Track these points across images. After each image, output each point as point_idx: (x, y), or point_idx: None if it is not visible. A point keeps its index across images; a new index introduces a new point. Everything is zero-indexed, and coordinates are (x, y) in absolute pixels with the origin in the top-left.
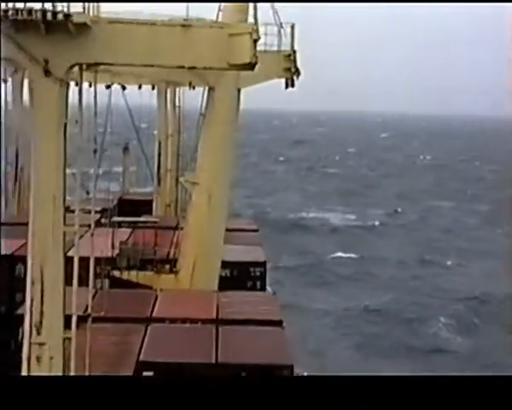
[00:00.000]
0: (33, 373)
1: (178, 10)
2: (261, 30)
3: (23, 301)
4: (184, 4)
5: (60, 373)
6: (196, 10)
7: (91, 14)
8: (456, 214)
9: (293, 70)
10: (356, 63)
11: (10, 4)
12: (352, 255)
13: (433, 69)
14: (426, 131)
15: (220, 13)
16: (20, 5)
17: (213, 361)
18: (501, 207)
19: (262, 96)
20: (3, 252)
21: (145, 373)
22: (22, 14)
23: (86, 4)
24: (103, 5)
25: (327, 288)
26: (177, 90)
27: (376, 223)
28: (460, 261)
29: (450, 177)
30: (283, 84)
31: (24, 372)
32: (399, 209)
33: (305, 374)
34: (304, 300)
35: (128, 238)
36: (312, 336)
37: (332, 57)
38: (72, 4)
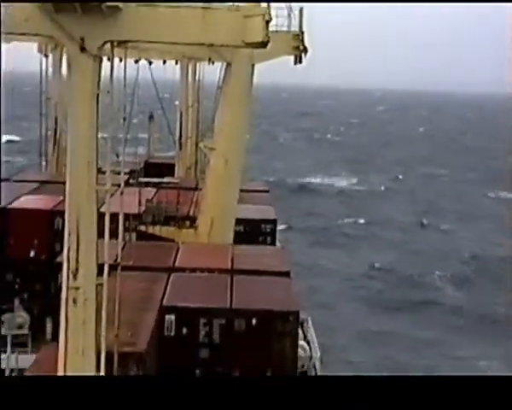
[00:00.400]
0: (70, 314)
1: None
2: (273, 12)
3: (61, 250)
4: None
5: (92, 315)
6: None
7: None
8: (449, 180)
9: (301, 48)
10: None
11: None
12: (357, 218)
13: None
14: (426, 106)
15: None
16: None
17: (228, 306)
18: (490, 175)
19: (268, 71)
20: (44, 207)
21: (167, 316)
22: None
23: None
24: None
25: (333, 247)
26: (198, 65)
27: (379, 187)
28: (455, 224)
29: (445, 147)
30: (292, 61)
31: (62, 312)
32: (400, 176)
33: (309, 319)
34: (310, 257)
35: (153, 197)
36: (320, 289)
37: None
38: None
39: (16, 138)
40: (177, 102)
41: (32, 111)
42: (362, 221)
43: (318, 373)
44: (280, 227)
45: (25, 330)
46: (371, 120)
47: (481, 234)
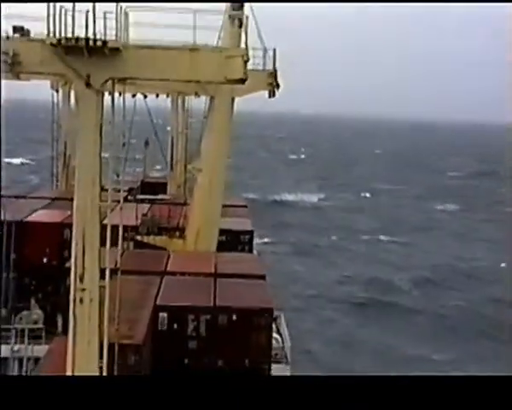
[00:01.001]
0: (77, 312)
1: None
2: (250, 53)
3: (70, 257)
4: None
5: (96, 312)
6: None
7: (122, 40)
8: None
9: (274, 84)
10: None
11: (62, 34)
12: (327, 230)
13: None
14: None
15: (220, 40)
16: (69, 34)
17: (212, 305)
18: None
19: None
20: (55, 220)
21: (160, 313)
22: (71, 41)
23: (118, 33)
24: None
25: (305, 256)
26: (186, 98)
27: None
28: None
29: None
30: (267, 94)
31: (71, 310)
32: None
33: (282, 315)
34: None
35: (148, 211)
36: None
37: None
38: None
39: (27, 161)
40: (168, 128)
41: (47, 135)
42: (331, 233)
43: (289, 360)
44: (258, 241)
45: (39, 325)
46: (339, 142)
47: (435, 243)
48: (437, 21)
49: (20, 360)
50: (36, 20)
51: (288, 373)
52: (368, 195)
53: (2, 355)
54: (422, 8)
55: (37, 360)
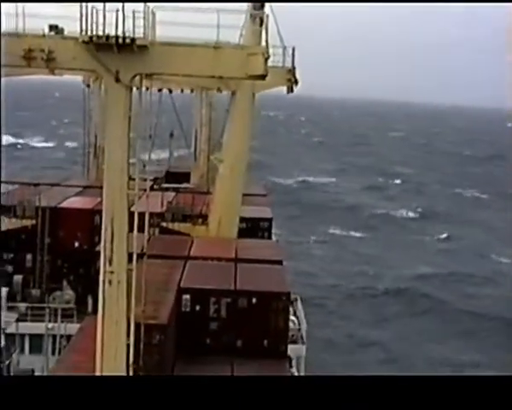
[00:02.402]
0: (106, 293)
1: (211, 34)
2: (270, 51)
3: (99, 241)
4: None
5: (124, 294)
6: (224, 35)
7: (149, 38)
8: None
9: (292, 80)
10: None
11: (94, 32)
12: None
13: None
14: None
15: (241, 37)
16: (100, 32)
17: (233, 288)
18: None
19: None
20: (86, 207)
21: (184, 296)
22: (102, 39)
23: (146, 31)
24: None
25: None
26: (209, 92)
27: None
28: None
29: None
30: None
31: (100, 291)
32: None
33: (299, 298)
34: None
35: (173, 199)
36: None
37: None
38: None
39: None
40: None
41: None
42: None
43: (305, 341)
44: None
45: (71, 305)
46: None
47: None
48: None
49: (54, 337)
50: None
51: (304, 353)
52: (398, 181)
53: (38, 332)
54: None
55: (69, 337)
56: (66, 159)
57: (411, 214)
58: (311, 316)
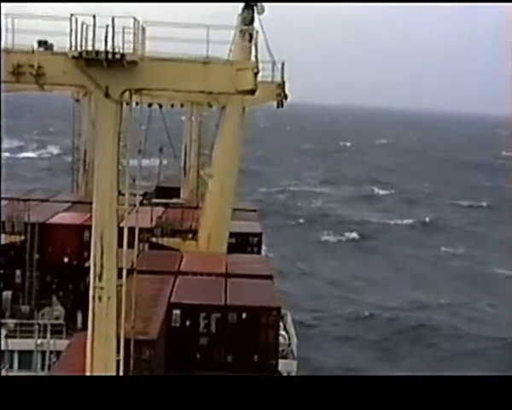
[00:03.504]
0: (96, 309)
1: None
2: (260, 66)
3: (89, 257)
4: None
5: (114, 309)
6: (214, 50)
7: (139, 53)
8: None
9: (282, 95)
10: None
11: (83, 48)
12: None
13: None
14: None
15: (231, 53)
16: (89, 47)
17: (223, 303)
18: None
19: None
20: (75, 223)
21: (174, 311)
22: (92, 54)
23: (136, 47)
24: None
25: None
26: (199, 107)
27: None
28: None
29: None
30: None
31: (90, 307)
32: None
33: (289, 314)
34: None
35: (162, 214)
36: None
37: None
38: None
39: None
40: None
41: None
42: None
43: (295, 356)
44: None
45: (61, 321)
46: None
47: None
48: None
49: (43, 353)
50: (56, 34)
51: (295, 368)
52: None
53: (27, 349)
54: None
55: (58, 353)
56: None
57: (405, 223)
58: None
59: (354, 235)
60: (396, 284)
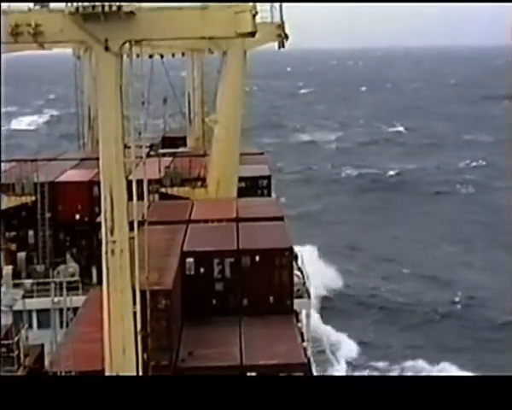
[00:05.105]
0: (110, 263)
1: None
2: (258, 8)
3: (100, 212)
4: None
5: (127, 262)
6: None
7: (136, 4)
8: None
9: (283, 35)
10: None
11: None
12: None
13: None
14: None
15: None
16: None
17: (236, 248)
18: None
19: None
20: (84, 179)
21: (187, 259)
22: (88, 8)
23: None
24: None
25: None
26: (200, 55)
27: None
28: None
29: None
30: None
31: (104, 261)
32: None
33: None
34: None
35: (170, 164)
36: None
37: None
38: None
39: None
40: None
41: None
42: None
43: (311, 295)
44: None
45: (76, 278)
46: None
47: None
48: None
49: (61, 311)
50: None
51: (310, 307)
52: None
53: (44, 307)
54: None
55: (75, 309)
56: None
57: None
58: None
59: None
60: None
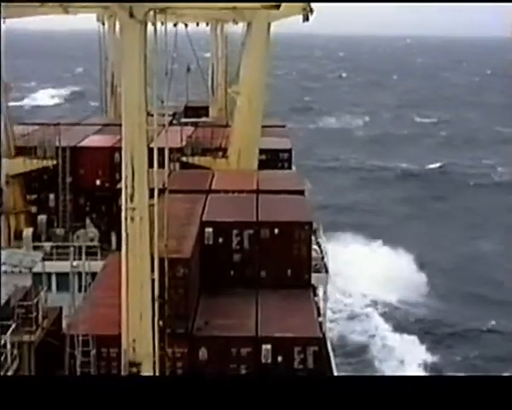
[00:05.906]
0: (129, 229)
1: None
2: None
3: (120, 179)
4: None
5: (147, 229)
6: None
7: None
8: None
9: (308, 9)
10: None
11: None
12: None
13: None
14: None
15: None
16: None
17: (255, 220)
18: None
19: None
20: (106, 145)
21: (206, 229)
22: None
23: None
24: None
25: None
26: (224, 25)
27: None
28: None
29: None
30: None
31: (123, 228)
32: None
33: (321, 227)
34: None
35: (192, 134)
36: None
37: None
38: None
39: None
40: (208, 54)
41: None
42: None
43: (328, 270)
44: None
45: (95, 243)
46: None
47: None
48: None
49: (79, 275)
50: None
51: (327, 282)
52: None
53: (64, 271)
54: None
55: (94, 274)
56: None
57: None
58: None
59: None
60: None
